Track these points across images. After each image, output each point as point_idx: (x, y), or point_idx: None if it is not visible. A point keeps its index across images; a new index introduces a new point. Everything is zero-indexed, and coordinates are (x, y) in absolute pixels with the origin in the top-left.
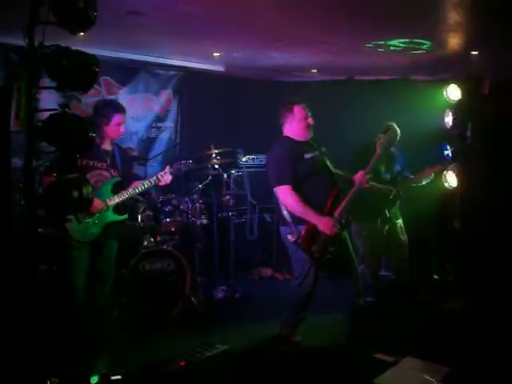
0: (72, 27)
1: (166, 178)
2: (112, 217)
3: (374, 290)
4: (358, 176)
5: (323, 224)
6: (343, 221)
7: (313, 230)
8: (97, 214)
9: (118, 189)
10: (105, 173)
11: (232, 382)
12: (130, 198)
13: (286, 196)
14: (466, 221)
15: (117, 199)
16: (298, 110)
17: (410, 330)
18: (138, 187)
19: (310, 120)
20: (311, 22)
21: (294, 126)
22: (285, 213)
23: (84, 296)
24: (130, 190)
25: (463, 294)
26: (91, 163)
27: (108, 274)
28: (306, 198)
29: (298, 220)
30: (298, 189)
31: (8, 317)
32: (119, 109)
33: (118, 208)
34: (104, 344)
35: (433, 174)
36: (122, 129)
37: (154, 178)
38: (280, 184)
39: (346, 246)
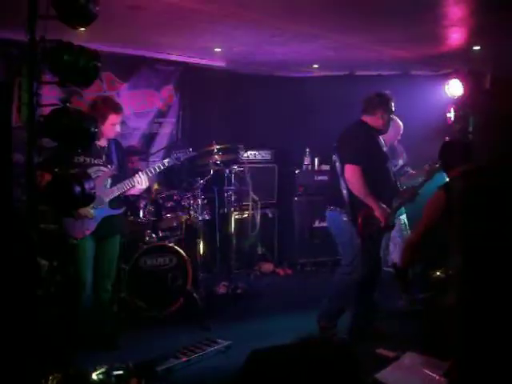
0: (73, 22)
1: (139, 182)
2: (108, 211)
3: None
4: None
5: (381, 211)
6: (391, 224)
7: (368, 216)
8: (92, 210)
9: (115, 183)
10: (103, 168)
11: (233, 377)
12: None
13: (354, 175)
14: (467, 217)
15: (113, 193)
16: (392, 105)
17: (411, 325)
18: (122, 188)
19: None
20: (311, 18)
21: (383, 120)
22: (344, 192)
23: (89, 292)
24: (119, 187)
25: (464, 289)
26: (88, 160)
27: (110, 270)
28: (370, 186)
29: (355, 203)
30: (368, 176)
31: (10, 312)
32: (116, 108)
33: (115, 202)
34: (105, 339)
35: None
36: (117, 128)
37: (129, 181)
38: (353, 163)
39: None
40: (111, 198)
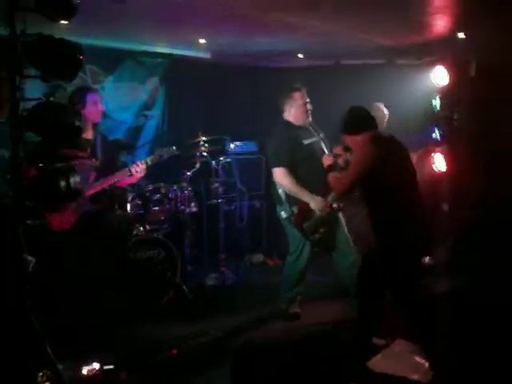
0: (54, 15)
1: (138, 171)
2: (89, 206)
3: None
4: None
5: (315, 203)
6: (335, 205)
7: (305, 209)
8: (74, 204)
9: (98, 177)
10: (86, 161)
11: (224, 368)
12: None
13: (281, 177)
14: (453, 204)
15: (94, 189)
16: (297, 96)
17: (400, 312)
18: (112, 179)
19: (309, 105)
20: (294, 7)
21: (294, 112)
22: (280, 191)
23: (75, 286)
24: (107, 179)
25: (451, 276)
26: (71, 152)
27: (96, 264)
28: (302, 180)
29: (291, 199)
30: (294, 171)
31: None
32: (90, 89)
33: (96, 197)
34: (95, 333)
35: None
36: (100, 107)
37: (126, 170)
38: (277, 166)
39: (338, 228)
40: (93, 193)
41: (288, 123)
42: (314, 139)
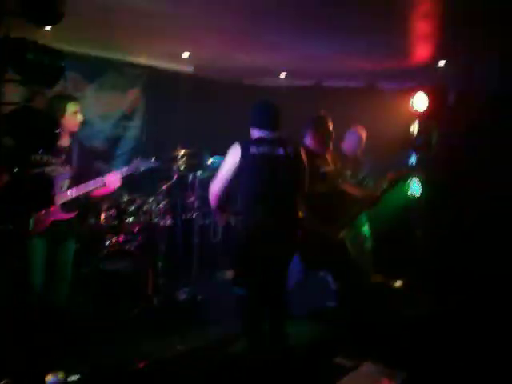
0: (39, 21)
1: (112, 181)
2: (59, 215)
3: (336, 295)
4: None
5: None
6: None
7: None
8: (43, 212)
9: (72, 186)
10: (59, 168)
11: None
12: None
13: None
14: (428, 229)
15: (65, 197)
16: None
17: (369, 335)
18: (86, 188)
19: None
20: (277, 27)
21: (316, 139)
22: None
23: (42, 295)
24: (80, 188)
25: (422, 301)
26: (45, 158)
27: (65, 274)
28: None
29: None
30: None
31: None
32: (71, 97)
33: (67, 206)
34: (62, 344)
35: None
36: (78, 117)
37: (100, 180)
38: None
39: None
40: (64, 202)
41: (308, 149)
42: (330, 168)
